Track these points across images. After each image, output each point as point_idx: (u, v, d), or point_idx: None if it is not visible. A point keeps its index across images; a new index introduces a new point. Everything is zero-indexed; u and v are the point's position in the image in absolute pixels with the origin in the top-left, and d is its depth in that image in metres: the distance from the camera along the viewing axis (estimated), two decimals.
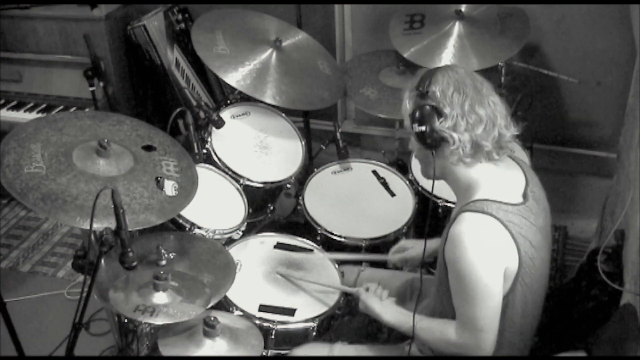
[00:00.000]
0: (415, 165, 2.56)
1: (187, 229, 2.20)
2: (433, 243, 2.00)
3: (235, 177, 2.50)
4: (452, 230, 1.64)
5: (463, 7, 2.82)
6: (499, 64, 2.74)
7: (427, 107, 1.68)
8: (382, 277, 2.17)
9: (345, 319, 2.18)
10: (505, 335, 1.73)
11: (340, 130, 2.79)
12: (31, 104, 3.28)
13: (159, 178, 1.97)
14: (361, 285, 2.03)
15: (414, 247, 2.16)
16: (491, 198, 1.66)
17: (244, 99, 2.78)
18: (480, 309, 1.64)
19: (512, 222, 1.64)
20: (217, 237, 2.25)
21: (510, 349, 1.78)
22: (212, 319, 1.81)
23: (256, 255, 2.31)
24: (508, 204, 1.66)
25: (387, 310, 1.90)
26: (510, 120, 1.74)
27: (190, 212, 2.19)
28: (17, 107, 3.27)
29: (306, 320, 2.08)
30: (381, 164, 2.73)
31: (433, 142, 1.70)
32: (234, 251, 2.25)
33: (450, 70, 1.71)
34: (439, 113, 1.67)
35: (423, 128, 1.68)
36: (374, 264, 2.36)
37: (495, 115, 1.69)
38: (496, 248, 1.63)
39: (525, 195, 1.71)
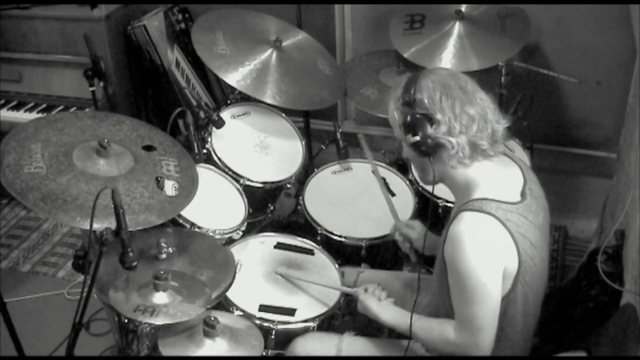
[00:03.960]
0: None
1: (187, 229, 2.20)
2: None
3: (235, 177, 2.50)
4: (452, 229, 1.64)
5: (463, 7, 2.81)
6: (499, 64, 2.73)
7: (418, 116, 1.68)
8: (382, 278, 2.16)
9: (346, 319, 2.18)
10: (506, 334, 1.73)
11: (340, 130, 2.79)
12: (31, 104, 3.28)
13: (159, 178, 1.97)
14: (361, 286, 2.03)
15: (421, 232, 2.11)
16: (490, 197, 1.66)
17: (244, 99, 2.78)
18: (479, 308, 1.64)
19: (510, 220, 1.64)
20: (217, 237, 2.25)
21: (511, 348, 1.78)
22: (212, 319, 1.81)
23: (256, 255, 2.31)
24: (507, 202, 1.66)
25: (385, 310, 1.89)
26: (500, 113, 1.74)
27: (190, 212, 2.19)
28: (17, 107, 3.27)
29: (306, 320, 2.08)
30: (381, 164, 2.72)
31: (429, 150, 1.70)
32: (234, 251, 2.24)
33: (433, 74, 1.71)
34: (431, 120, 1.67)
35: (418, 138, 1.68)
36: (374, 265, 2.36)
37: (485, 111, 1.69)
38: (495, 247, 1.63)
39: (523, 194, 1.71)
